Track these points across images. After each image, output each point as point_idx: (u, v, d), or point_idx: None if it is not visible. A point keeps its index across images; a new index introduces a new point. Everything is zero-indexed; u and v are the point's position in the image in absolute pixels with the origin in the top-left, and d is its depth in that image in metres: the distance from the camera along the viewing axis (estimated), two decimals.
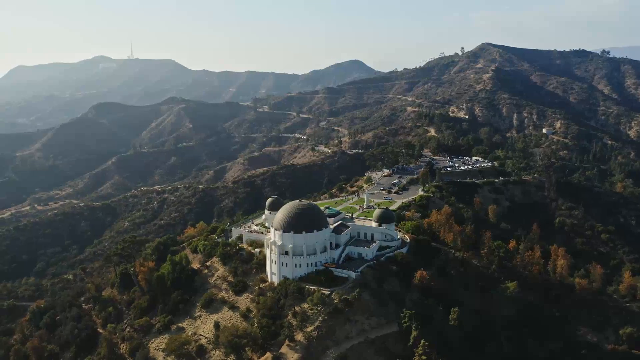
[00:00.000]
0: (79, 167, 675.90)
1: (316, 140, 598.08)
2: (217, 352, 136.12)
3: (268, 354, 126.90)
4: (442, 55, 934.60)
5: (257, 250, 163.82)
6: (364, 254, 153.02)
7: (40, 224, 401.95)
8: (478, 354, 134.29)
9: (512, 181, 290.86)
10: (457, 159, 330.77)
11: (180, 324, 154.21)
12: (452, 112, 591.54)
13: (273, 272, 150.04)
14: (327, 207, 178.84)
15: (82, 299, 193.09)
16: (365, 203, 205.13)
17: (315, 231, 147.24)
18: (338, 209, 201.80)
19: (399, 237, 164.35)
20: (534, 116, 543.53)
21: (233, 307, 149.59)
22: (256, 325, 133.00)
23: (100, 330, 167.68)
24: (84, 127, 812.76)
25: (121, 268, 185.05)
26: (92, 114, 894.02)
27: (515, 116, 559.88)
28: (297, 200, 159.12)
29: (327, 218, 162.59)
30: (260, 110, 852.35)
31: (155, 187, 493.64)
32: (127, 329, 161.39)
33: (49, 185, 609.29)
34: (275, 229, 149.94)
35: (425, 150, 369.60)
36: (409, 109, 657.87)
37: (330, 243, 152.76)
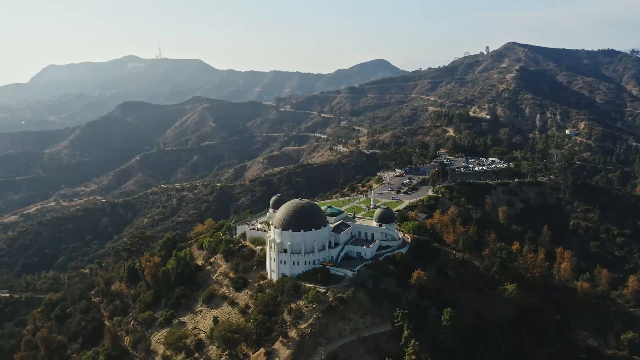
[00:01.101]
0: (104, 165, 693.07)
1: (336, 139, 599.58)
2: (213, 346, 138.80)
3: (261, 350, 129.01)
4: (467, 55, 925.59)
5: (259, 247, 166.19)
6: (362, 253, 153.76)
7: (63, 219, 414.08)
8: (473, 355, 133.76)
9: (527, 183, 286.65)
10: (472, 160, 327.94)
11: (181, 319, 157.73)
12: (474, 113, 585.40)
13: (272, 270, 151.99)
14: (329, 207, 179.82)
15: (93, 292, 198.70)
16: (372, 203, 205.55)
17: (313, 230, 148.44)
18: (345, 208, 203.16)
19: (400, 237, 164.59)
20: (558, 117, 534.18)
21: (232, 303, 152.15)
22: (251, 321, 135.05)
23: (107, 323, 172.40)
24: (110, 125, 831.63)
25: (129, 263, 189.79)
26: (119, 113, 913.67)
27: (538, 117, 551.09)
28: (297, 199, 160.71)
29: (329, 217, 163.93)
30: (282, 109, 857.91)
31: (175, 184, 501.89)
32: (132, 322, 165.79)
33: (74, 182, 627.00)
34: (275, 227, 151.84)
35: (442, 151, 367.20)
36: (430, 108, 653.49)
37: (330, 242, 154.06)
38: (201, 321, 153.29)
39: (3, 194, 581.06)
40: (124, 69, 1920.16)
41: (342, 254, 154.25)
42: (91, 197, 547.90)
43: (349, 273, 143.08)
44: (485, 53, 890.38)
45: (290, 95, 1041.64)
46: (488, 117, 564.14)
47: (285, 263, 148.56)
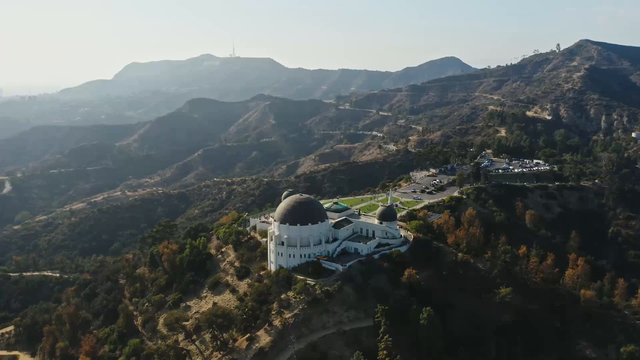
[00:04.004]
0: (169, 158, 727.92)
1: (391, 138, 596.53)
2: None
3: (247, 335, 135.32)
4: (536, 53, 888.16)
5: (264, 239, 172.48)
6: (359, 250, 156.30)
7: (122, 208, 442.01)
8: (456, 356, 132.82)
9: (569, 186, 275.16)
10: (515, 161, 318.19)
11: (188, 303, 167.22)
12: (535, 113, 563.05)
13: (271, 261, 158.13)
14: (335, 203, 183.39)
15: (121, 274, 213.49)
16: (389, 201, 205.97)
17: (310, 224, 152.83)
18: (362, 206, 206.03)
19: (401, 235, 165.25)
20: (624, 119, 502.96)
21: (233, 291, 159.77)
22: (241, 308, 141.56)
23: (125, 302, 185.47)
24: (178, 120, 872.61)
25: (151, 249, 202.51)
26: (186, 109, 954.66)
27: (603, 118, 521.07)
28: (298, 194, 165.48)
29: (333, 213, 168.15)
30: (341, 107, 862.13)
31: (226, 178, 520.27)
32: (146, 304, 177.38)
33: (141, 174, 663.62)
34: (275, 220, 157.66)
35: (488, 151, 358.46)
36: (491, 107, 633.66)
37: (328, 237, 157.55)
38: (204, 306, 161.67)
39: (74, 182, 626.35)
40: (199, 67, 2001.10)
41: (339, 249, 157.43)
42: (153, 188, 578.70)
43: (340, 267, 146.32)
44: (556, 51, 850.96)
45: (351, 93, 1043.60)
46: (549, 117, 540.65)
47: (282, 255, 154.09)
